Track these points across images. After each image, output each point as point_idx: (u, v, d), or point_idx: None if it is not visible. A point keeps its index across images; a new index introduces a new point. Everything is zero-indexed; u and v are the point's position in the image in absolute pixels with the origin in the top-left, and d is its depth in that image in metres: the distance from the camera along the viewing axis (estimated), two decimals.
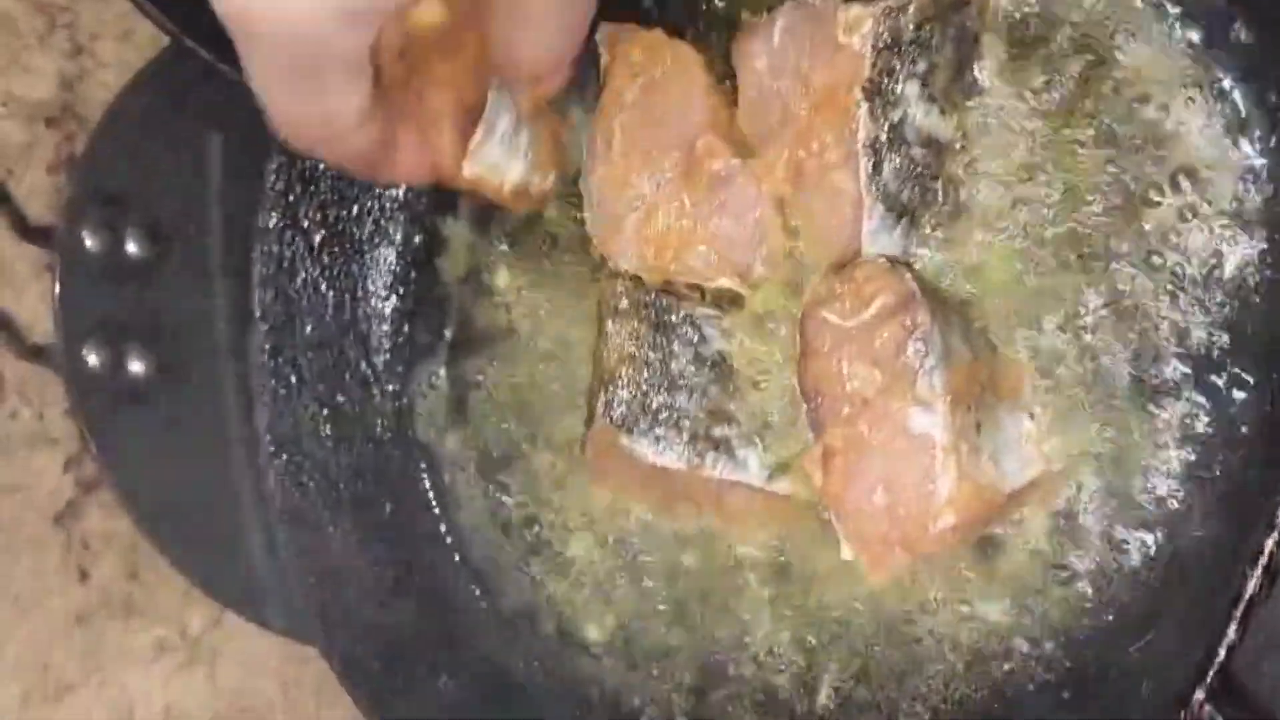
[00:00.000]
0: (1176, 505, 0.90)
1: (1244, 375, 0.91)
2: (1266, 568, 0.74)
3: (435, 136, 0.93)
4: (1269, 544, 0.74)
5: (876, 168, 0.96)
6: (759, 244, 1.02)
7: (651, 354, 1.03)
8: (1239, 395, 0.91)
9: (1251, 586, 0.74)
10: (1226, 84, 0.93)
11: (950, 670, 0.99)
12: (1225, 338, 0.92)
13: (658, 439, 1.02)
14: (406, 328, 1.24)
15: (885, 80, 0.95)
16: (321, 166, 1.22)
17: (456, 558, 1.20)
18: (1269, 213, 0.91)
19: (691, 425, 1.02)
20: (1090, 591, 0.92)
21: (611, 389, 1.03)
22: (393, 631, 1.16)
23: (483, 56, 0.94)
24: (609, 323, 1.05)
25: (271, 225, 1.22)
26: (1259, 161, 0.92)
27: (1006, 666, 0.96)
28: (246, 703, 1.57)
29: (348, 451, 1.22)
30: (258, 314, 1.22)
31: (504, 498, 1.17)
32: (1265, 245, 0.91)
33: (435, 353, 1.22)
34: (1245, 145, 0.92)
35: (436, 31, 0.90)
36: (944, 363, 0.90)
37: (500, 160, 0.97)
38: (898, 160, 0.97)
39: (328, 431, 1.22)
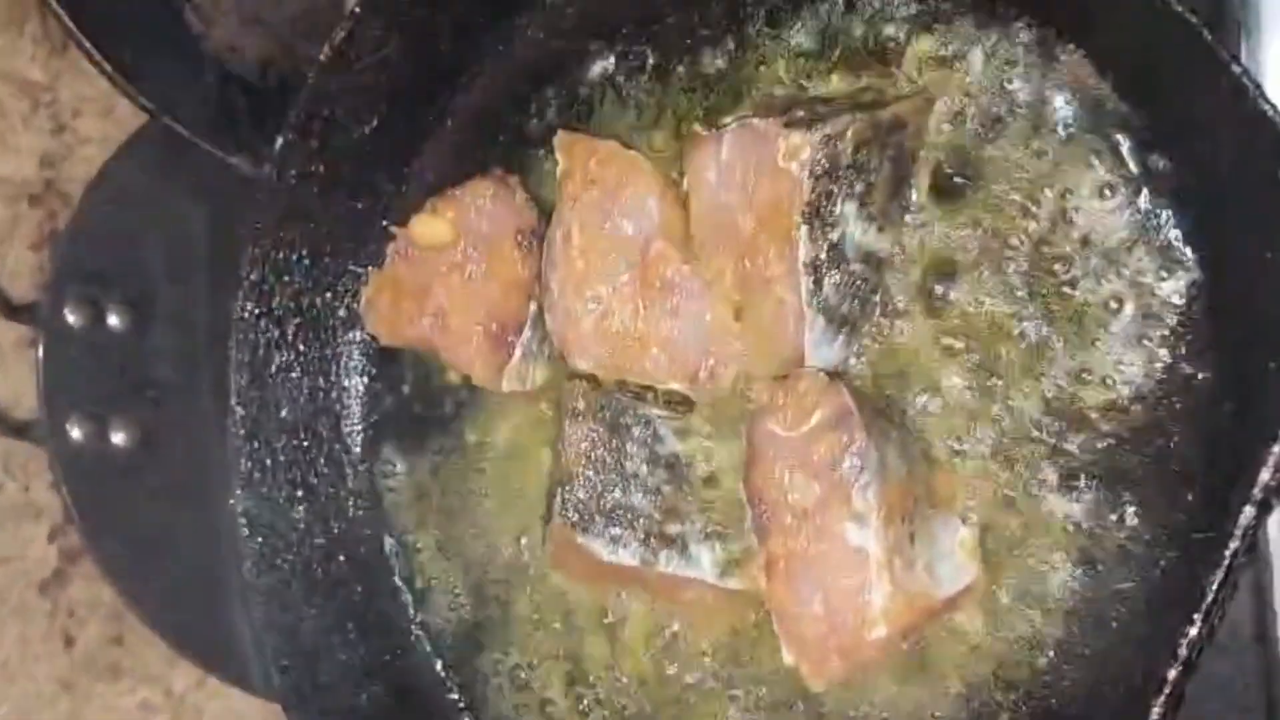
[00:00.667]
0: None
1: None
2: (1168, 697, 0.78)
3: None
4: (1171, 674, 0.77)
5: (817, 284, 1.00)
6: (707, 349, 1.06)
7: (607, 454, 1.08)
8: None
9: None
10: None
11: None
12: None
13: (613, 539, 1.06)
14: (378, 411, 1.28)
15: (823, 203, 0.99)
16: (295, 256, 1.27)
17: (426, 643, 1.24)
18: (1217, 335, 0.94)
19: (646, 524, 1.06)
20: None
21: (568, 489, 1.07)
22: (366, 712, 1.20)
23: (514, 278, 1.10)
24: (566, 423, 1.09)
25: (246, 314, 1.26)
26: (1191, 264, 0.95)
27: None
28: None
29: (322, 533, 1.26)
30: (233, 400, 1.26)
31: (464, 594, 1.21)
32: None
33: (404, 436, 1.26)
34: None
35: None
36: (879, 478, 0.94)
37: (529, 370, 1.13)
38: (837, 276, 1.01)
39: (301, 513, 1.26)
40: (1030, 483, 0.98)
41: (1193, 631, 0.76)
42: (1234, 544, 0.77)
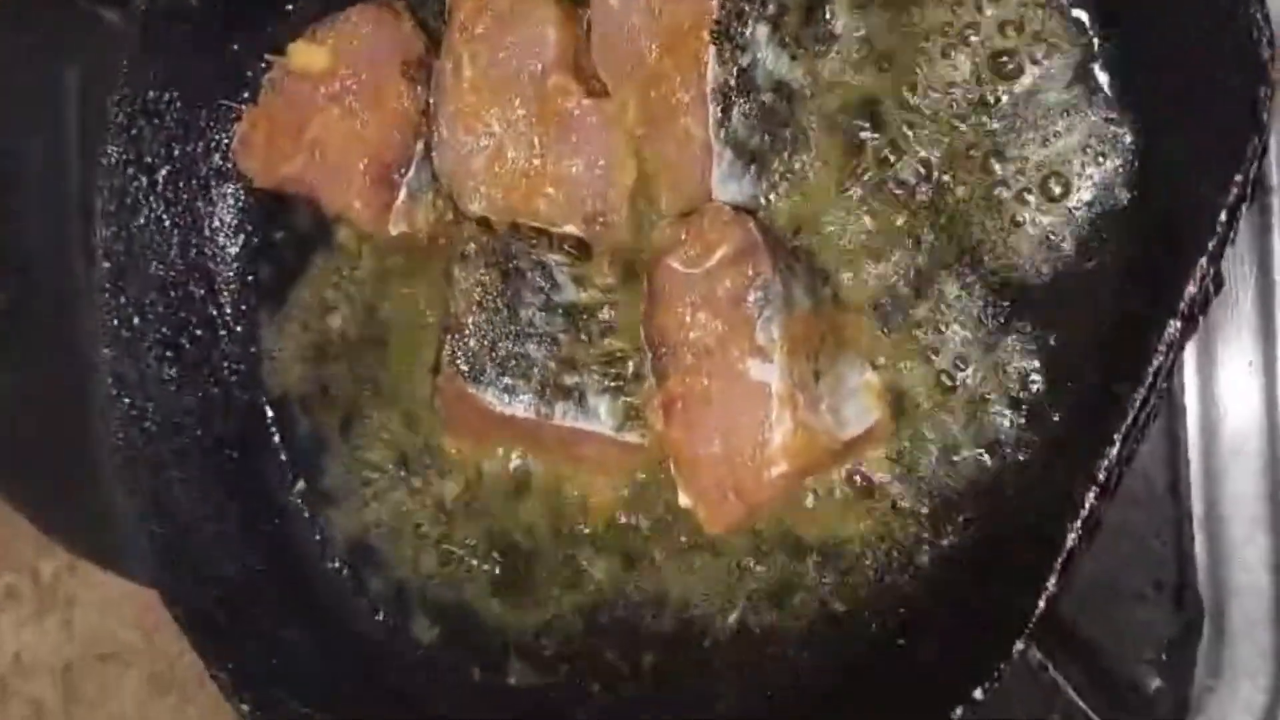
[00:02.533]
0: (1006, 453, 0.90)
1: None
2: (1086, 520, 0.74)
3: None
4: (1089, 497, 0.73)
5: (725, 113, 0.94)
6: (607, 189, 1.00)
7: (500, 302, 1.01)
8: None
9: (1071, 539, 0.74)
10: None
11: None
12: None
13: (506, 389, 1.00)
14: (254, 269, 1.20)
15: (734, 24, 0.93)
16: (166, 98, 1.18)
17: (304, 506, 1.17)
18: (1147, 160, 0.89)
19: (541, 374, 1.00)
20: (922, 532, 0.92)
21: (458, 337, 1.01)
22: (238, 582, 1.13)
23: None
24: (455, 269, 1.02)
25: (114, 160, 1.17)
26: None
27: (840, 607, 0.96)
28: (105, 649, 1.54)
29: (192, 396, 1.19)
30: (99, 252, 1.17)
31: (357, 448, 1.14)
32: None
33: (283, 296, 1.19)
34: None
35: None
36: (784, 312, 0.89)
37: (416, 211, 1.06)
38: (747, 106, 0.95)
39: (172, 374, 1.18)
40: (940, 323, 0.92)
41: (1112, 452, 0.72)
42: (1157, 359, 0.72)
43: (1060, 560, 0.74)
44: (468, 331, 1.01)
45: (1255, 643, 0.93)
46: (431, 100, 1.05)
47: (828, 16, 0.97)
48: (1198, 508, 0.95)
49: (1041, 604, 0.74)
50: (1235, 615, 0.93)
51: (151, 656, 1.56)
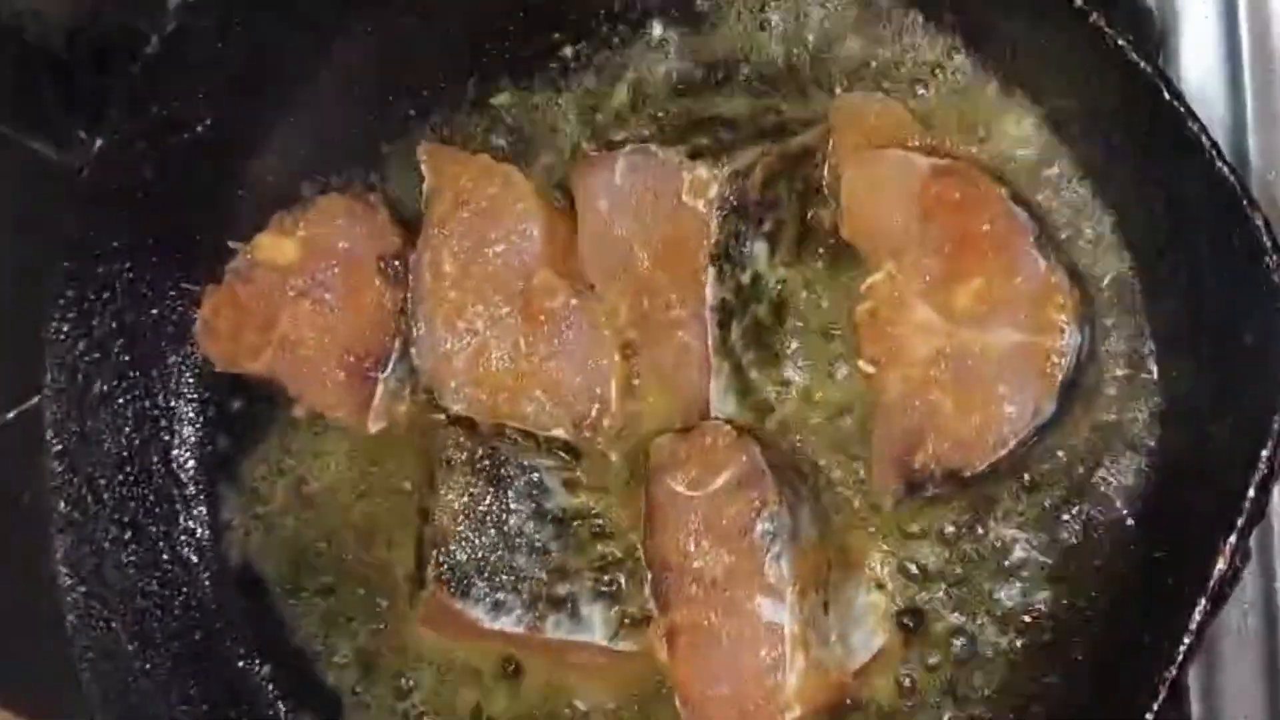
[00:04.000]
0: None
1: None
2: None
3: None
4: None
5: (724, 328, 0.92)
6: (597, 391, 0.97)
7: (487, 511, 0.98)
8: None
9: None
10: None
11: None
12: None
13: (495, 604, 0.97)
14: (212, 441, 1.15)
15: (732, 243, 0.90)
16: (118, 269, 1.12)
17: (275, 692, 1.13)
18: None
19: (531, 586, 0.97)
20: None
21: (444, 550, 0.97)
22: None
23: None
24: (439, 476, 0.99)
25: (62, 336, 1.11)
26: None
27: None
28: None
29: (154, 578, 1.13)
30: (49, 433, 1.11)
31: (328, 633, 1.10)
32: None
33: (243, 468, 1.14)
34: None
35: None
36: (792, 545, 0.88)
37: (396, 408, 1.02)
38: (746, 321, 0.93)
39: (131, 557, 1.13)
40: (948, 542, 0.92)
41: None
42: (1188, 639, 0.72)
43: None
44: (454, 544, 0.98)
45: None
46: (409, 296, 1.01)
47: (824, 222, 0.95)
48: (1196, 709, 0.95)
49: None
50: None
51: None
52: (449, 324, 1.00)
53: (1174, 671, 0.72)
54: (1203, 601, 0.73)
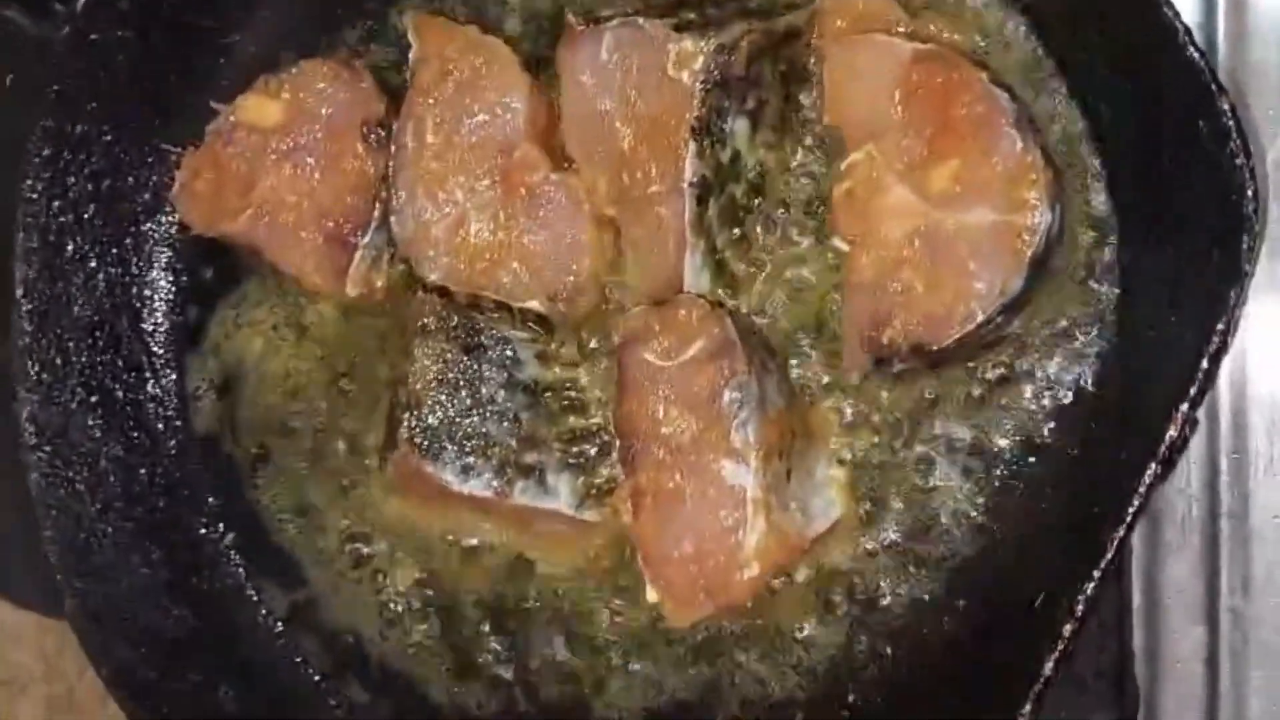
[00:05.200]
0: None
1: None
2: (1063, 652, 0.76)
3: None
4: (1067, 629, 0.76)
5: (701, 204, 0.94)
6: (573, 266, 0.98)
7: (460, 378, 0.99)
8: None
9: (1048, 669, 0.76)
10: None
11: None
12: None
13: (465, 468, 0.98)
14: (183, 310, 1.15)
15: (714, 118, 0.92)
16: (96, 131, 1.12)
17: (238, 559, 1.14)
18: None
19: (501, 453, 0.99)
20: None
21: (416, 413, 0.99)
22: (168, 637, 1.10)
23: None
24: (415, 342, 1.00)
25: (37, 195, 1.11)
26: None
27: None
28: (2, 675, 1.49)
29: (118, 443, 1.14)
30: (20, 292, 1.11)
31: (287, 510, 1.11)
32: None
33: (213, 338, 1.14)
34: None
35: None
36: (758, 413, 0.90)
37: (373, 275, 1.02)
38: (723, 198, 0.94)
39: (97, 420, 1.13)
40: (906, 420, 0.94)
41: (1089, 587, 0.75)
42: (1137, 500, 0.75)
43: (1037, 689, 0.76)
44: (426, 408, 0.99)
45: None
46: (391, 164, 1.01)
47: (805, 104, 0.97)
48: (1137, 598, 0.98)
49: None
50: (1169, 705, 0.98)
51: (50, 680, 1.51)
52: (429, 193, 1.00)
53: (1123, 531, 0.75)
54: (1153, 465, 0.76)
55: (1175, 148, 0.82)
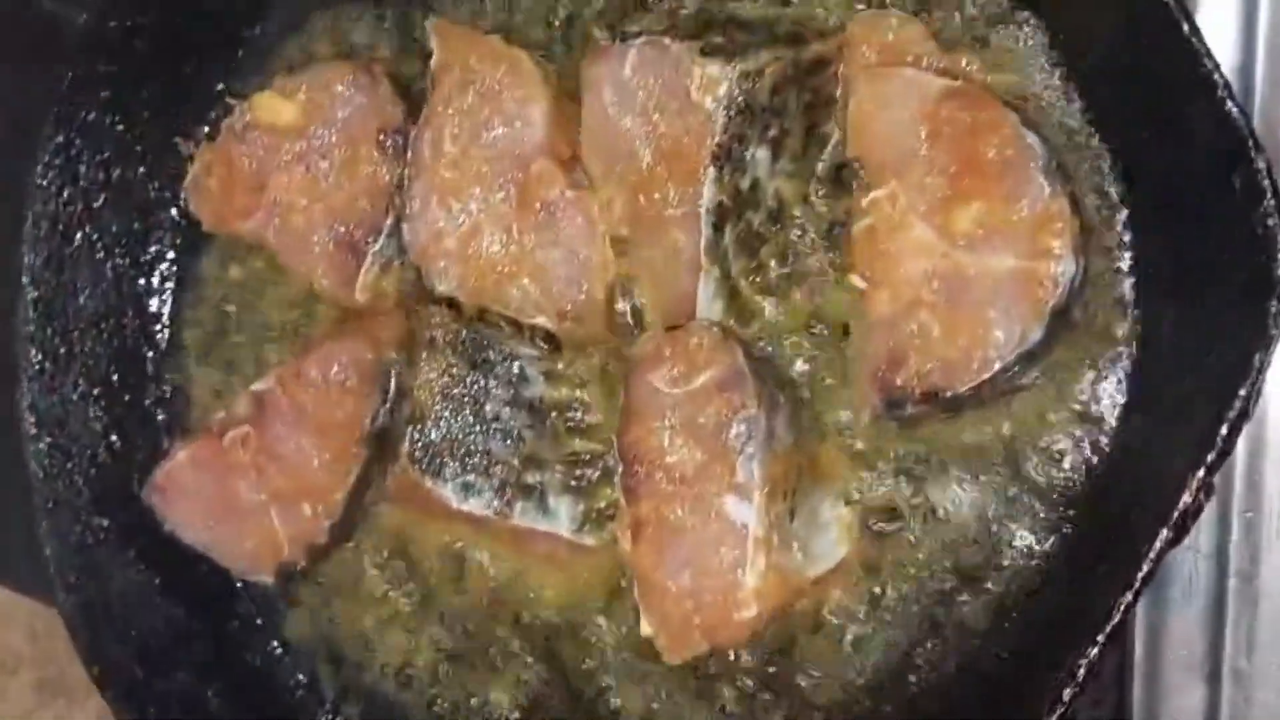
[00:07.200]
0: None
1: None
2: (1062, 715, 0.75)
3: None
4: (1066, 694, 0.75)
5: (718, 231, 0.92)
6: (584, 285, 0.97)
7: (465, 393, 0.98)
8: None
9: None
10: None
11: None
12: None
13: (465, 486, 0.97)
14: (191, 303, 1.14)
15: (735, 145, 0.90)
16: (109, 120, 1.10)
17: None
18: None
19: (503, 472, 0.98)
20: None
21: (420, 427, 0.97)
22: (159, 636, 1.09)
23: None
24: (422, 355, 0.98)
25: (47, 183, 1.10)
26: None
27: None
28: None
29: (119, 436, 1.13)
30: (26, 280, 1.10)
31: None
32: None
33: (220, 334, 1.13)
34: None
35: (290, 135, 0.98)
36: (765, 449, 0.88)
37: (382, 281, 1.01)
38: (740, 226, 0.93)
39: (98, 413, 1.12)
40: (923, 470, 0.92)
41: (1093, 651, 0.73)
42: (1146, 566, 0.73)
43: None
44: (430, 422, 0.98)
45: None
46: (406, 171, 1.00)
47: (829, 136, 0.95)
48: (1139, 653, 0.97)
49: None
50: None
51: (39, 662, 1.51)
52: (443, 203, 0.99)
53: (1130, 597, 0.74)
54: (1164, 531, 0.74)
55: (1208, 203, 0.80)
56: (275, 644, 1.11)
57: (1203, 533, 0.96)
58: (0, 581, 1.32)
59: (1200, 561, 0.96)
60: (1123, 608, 0.74)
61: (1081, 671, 0.75)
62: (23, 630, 1.49)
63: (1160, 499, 0.76)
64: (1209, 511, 0.94)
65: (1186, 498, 0.74)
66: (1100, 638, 0.75)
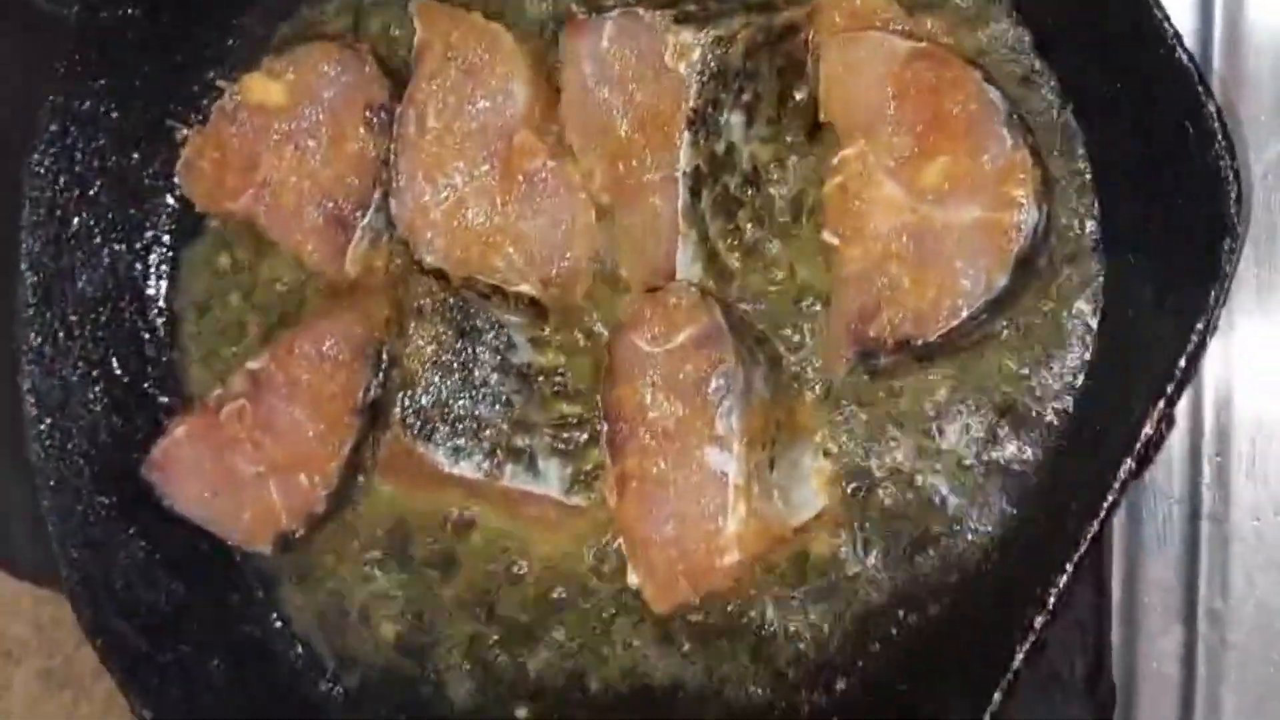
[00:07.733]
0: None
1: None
2: (1034, 644, 0.77)
3: None
4: (1037, 622, 0.77)
5: (695, 195, 0.95)
6: (567, 252, 1.00)
7: (454, 360, 1.01)
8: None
9: (1018, 661, 0.77)
10: None
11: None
12: None
13: (456, 449, 1.00)
14: (188, 287, 1.17)
15: (710, 110, 0.93)
16: (102, 108, 1.13)
17: None
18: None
19: (493, 435, 1.00)
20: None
21: (410, 394, 1.00)
22: (161, 610, 1.11)
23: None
24: (411, 324, 1.01)
25: (44, 170, 1.12)
26: None
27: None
28: None
29: (119, 418, 1.15)
30: (24, 265, 1.13)
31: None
32: None
33: (217, 317, 1.16)
34: None
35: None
36: (743, 402, 0.91)
37: (371, 255, 1.03)
38: (716, 189, 0.95)
39: (97, 394, 1.15)
40: (890, 414, 0.95)
41: (1062, 580, 0.76)
42: (1111, 496, 0.76)
43: (1006, 680, 0.77)
44: (420, 389, 1.01)
45: None
46: (392, 147, 1.03)
47: (799, 100, 0.98)
48: (1116, 597, 0.99)
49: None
50: (1145, 704, 0.98)
51: (44, 652, 1.52)
52: (429, 177, 1.02)
53: (1096, 526, 0.76)
54: (1129, 462, 0.77)
55: (1162, 150, 0.83)
56: (275, 616, 1.12)
57: (1175, 477, 0.99)
58: (12, 570, 1.32)
59: (1174, 506, 0.98)
60: (1089, 536, 0.76)
61: (1052, 600, 0.77)
62: (28, 620, 1.51)
63: (1125, 431, 0.78)
64: (1180, 456, 0.98)
65: (1148, 429, 0.76)
66: (1069, 566, 0.77)
